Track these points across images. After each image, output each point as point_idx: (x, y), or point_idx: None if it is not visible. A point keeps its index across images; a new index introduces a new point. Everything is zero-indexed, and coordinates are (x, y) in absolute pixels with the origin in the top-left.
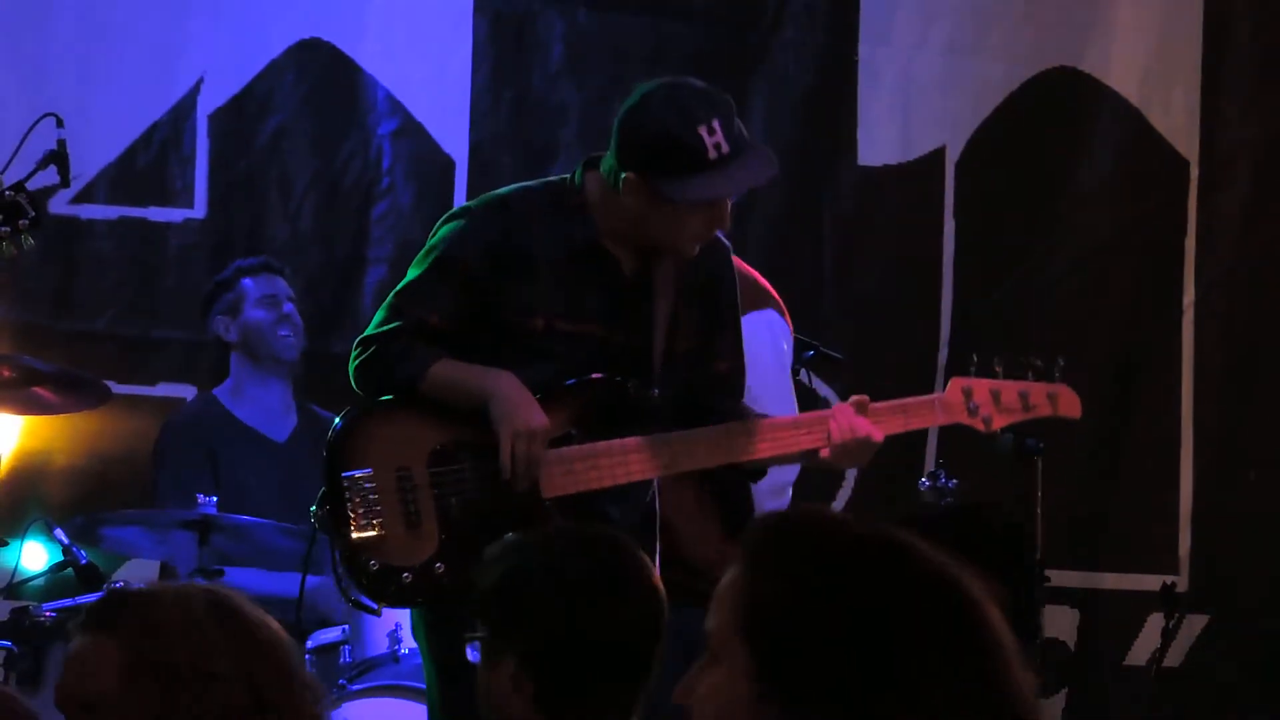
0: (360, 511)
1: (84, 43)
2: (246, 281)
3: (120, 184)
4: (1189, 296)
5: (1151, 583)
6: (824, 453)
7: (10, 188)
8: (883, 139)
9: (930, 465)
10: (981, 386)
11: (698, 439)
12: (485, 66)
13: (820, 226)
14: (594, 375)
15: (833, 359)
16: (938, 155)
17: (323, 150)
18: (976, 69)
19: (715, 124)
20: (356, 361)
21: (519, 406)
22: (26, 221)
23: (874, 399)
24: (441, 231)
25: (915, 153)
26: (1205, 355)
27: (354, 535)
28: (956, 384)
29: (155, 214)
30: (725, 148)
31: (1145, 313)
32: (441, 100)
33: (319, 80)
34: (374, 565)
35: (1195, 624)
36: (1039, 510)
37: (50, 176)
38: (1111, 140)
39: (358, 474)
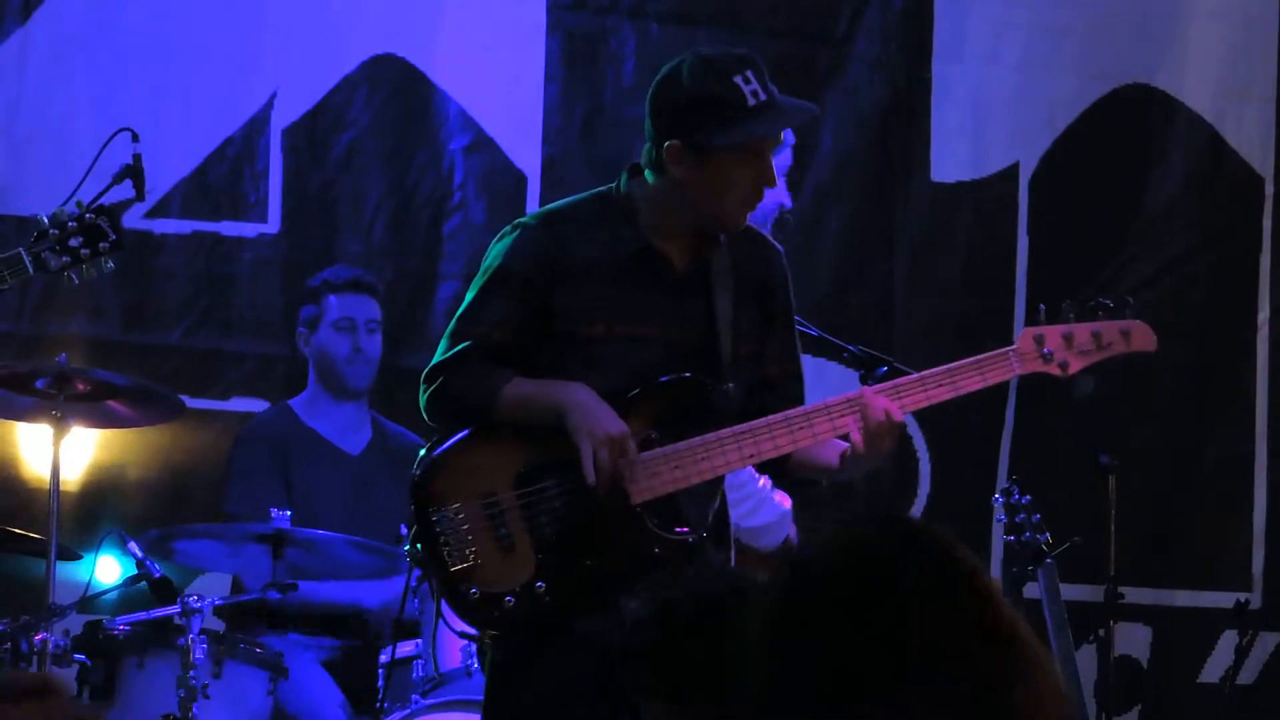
0: (454, 544)
1: (158, 58)
2: (330, 299)
3: (194, 198)
4: (1263, 313)
5: (1225, 600)
6: (855, 436)
7: (91, 210)
8: (955, 155)
9: (1003, 482)
10: (1053, 332)
11: (774, 425)
12: (557, 81)
13: (893, 243)
14: (679, 375)
15: (904, 375)
16: (1011, 172)
17: (395, 165)
18: (1049, 85)
19: (749, 74)
20: (428, 394)
21: (596, 415)
22: (107, 244)
23: (945, 415)
24: (496, 249)
25: (989, 169)
26: (1279, 372)
27: (451, 569)
28: (1028, 333)
29: (229, 228)
30: (763, 95)
31: (1219, 329)
32: (514, 115)
33: (392, 96)
34: (475, 594)
35: (1269, 641)
36: (1113, 527)
37: (125, 191)
38: (1185, 156)
39: (447, 508)
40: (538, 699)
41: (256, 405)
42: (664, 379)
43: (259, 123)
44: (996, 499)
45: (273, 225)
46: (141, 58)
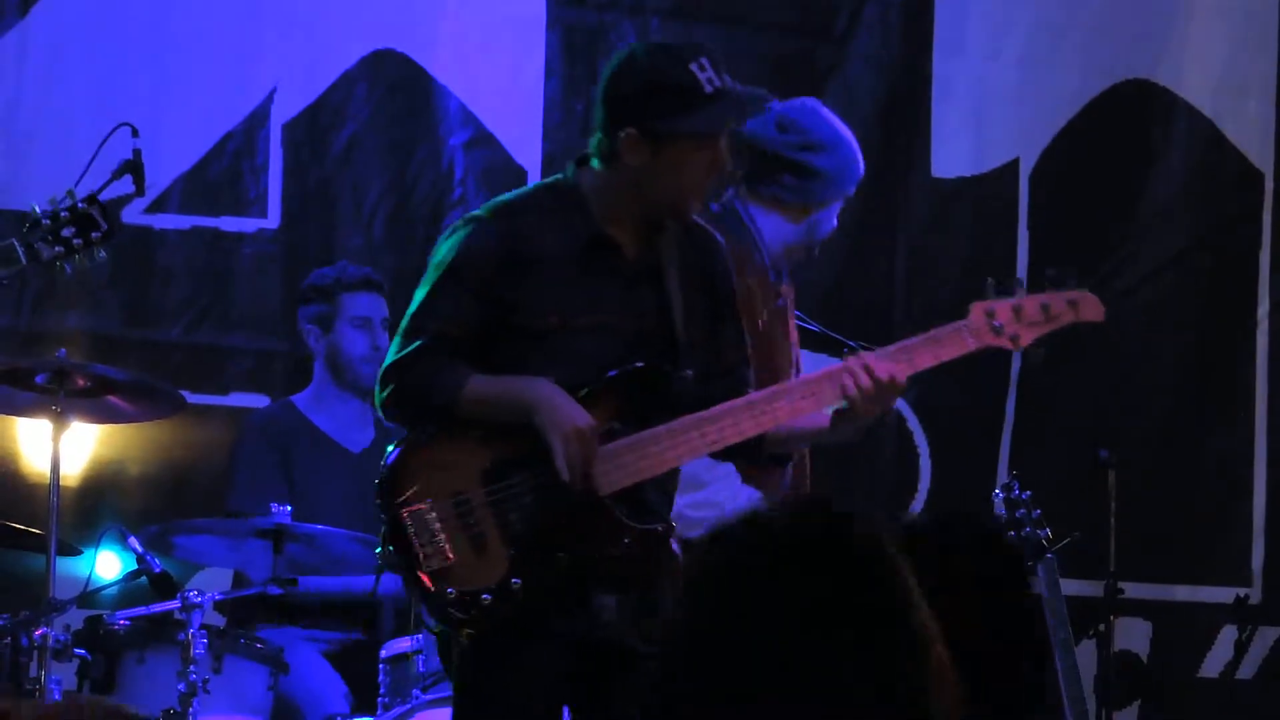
0: (426, 545)
1: (158, 53)
2: (345, 297)
3: (194, 194)
4: (1263, 308)
5: (1225, 595)
6: (849, 394)
7: (84, 200)
8: (956, 151)
9: (1003, 477)
10: (1003, 306)
11: (737, 409)
12: (557, 76)
13: (894, 238)
14: (632, 365)
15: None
16: (1012, 167)
17: (395, 160)
18: (1050, 81)
19: (704, 61)
20: (385, 394)
21: (563, 409)
22: (99, 234)
23: (945, 411)
24: (448, 244)
25: (989, 165)
26: (1279, 366)
27: (426, 568)
28: (978, 307)
29: (228, 224)
30: (718, 82)
31: (1219, 324)
32: (514, 111)
33: (392, 91)
34: (452, 593)
35: (1268, 636)
36: (1113, 522)
37: (125, 186)
38: (1185, 152)
39: (417, 508)
40: (510, 688)
41: (257, 400)
42: (619, 370)
43: (259, 118)
44: (996, 494)
45: (273, 220)
46: (141, 52)
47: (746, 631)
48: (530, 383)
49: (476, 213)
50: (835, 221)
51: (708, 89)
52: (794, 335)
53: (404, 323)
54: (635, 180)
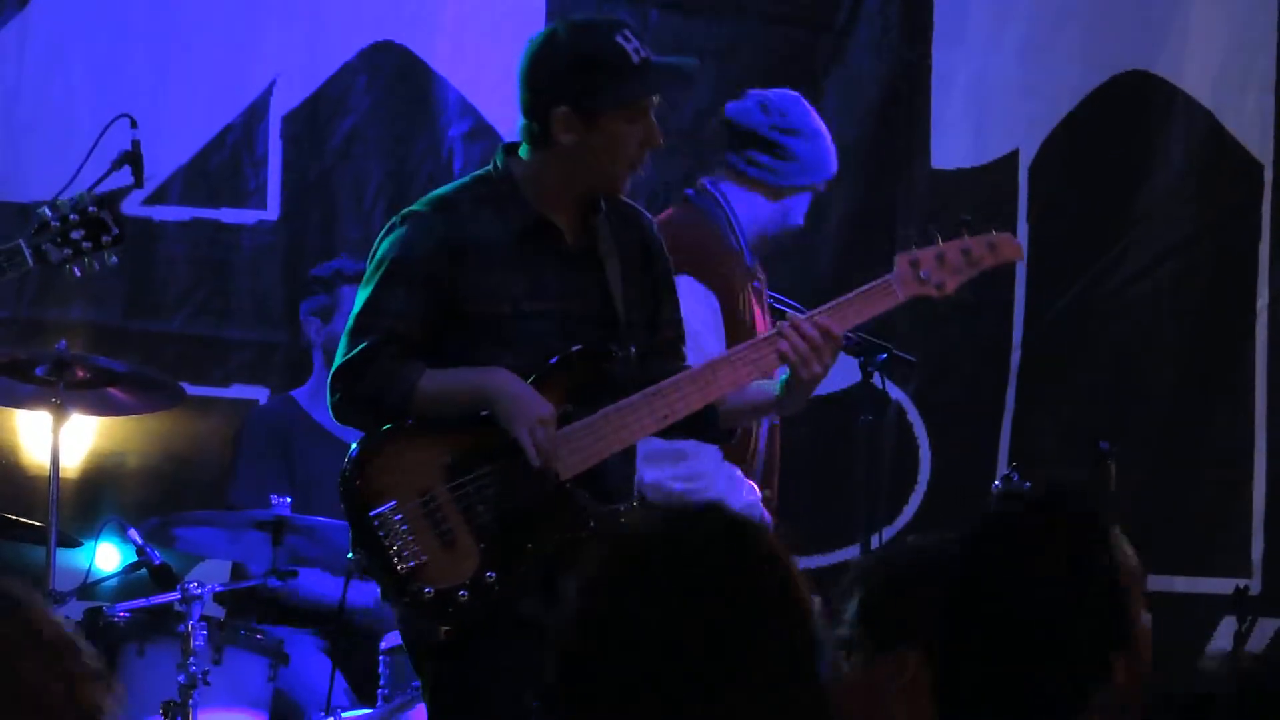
0: (397, 546)
1: (158, 44)
2: (345, 290)
3: (193, 185)
4: (1262, 299)
5: (1224, 586)
6: (787, 356)
7: (94, 201)
8: (956, 142)
9: (1003, 469)
10: (927, 255)
11: (682, 383)
12: None
13: (893, 229)
14: (575, 348)
15: (905, 361)
16: (1011, 159)
17: (395, 152)
18: (1050, 72)
19: (628, 33)
20: (336, 398)
21: (523, 398)
22: (110, 238)
23: (945, 403)
24: (387, 241)
25: (988, 156)
26: (1278, 358)
27: (399, 570)
28: (903, 259)
29: (228, 215)
30: (644, 53)
31: (1218, 316)
32: (513, 102)
33: (391, 83)
34: (428, 592)
35: (1268, 627)
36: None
37: (124, 177)
38: (1184, 143)
39: (384, 510)
40: (492, 685)
41: (256, 392)
42: (560, 356)
43: (258, 109)
44: (996, 485)
45: (272, 212)
46: (140, 44)
47: (641, 623)
48: (484, 373)
49: (413, 208)
50: (803, 217)
51: (635, 59)
52: (768, 318)
53: (349, 323)
54: (568, 159)
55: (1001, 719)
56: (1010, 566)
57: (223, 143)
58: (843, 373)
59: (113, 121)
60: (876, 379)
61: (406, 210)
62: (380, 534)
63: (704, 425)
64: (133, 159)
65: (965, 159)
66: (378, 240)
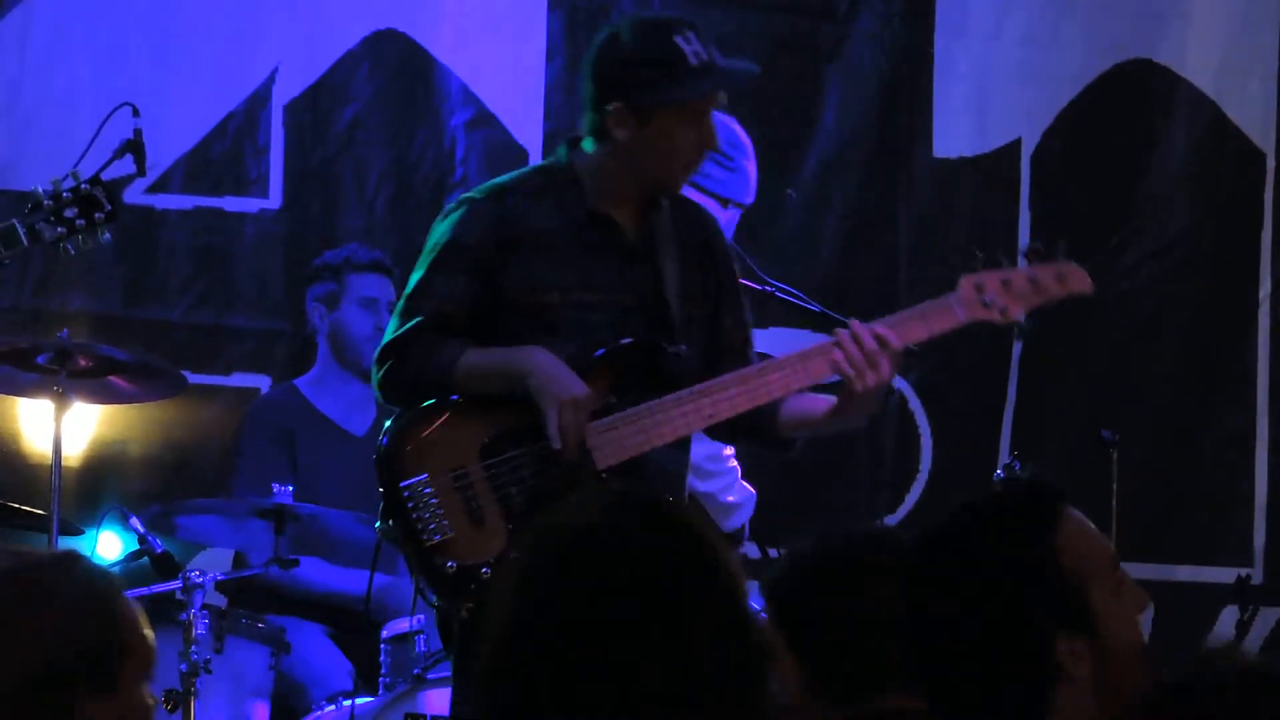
0: (426, 518)
1: (159, 33)
2: (352, 277)
3: (195, 174)
4: (1264, 288)
5: (1226, 575)
6: (840, 366)
7: (87, 180)
8: (958, 131)
9: (1005, 457)
10: (992, 279)
11: (729, 383)
12: (560, 57)
13: (895, 218)
14: (625, 340)
15: (907, 351)
16: (1013, 147)
17: (397, 141)
18: (1052, 61)
19: (690, 35)
20: (381, 373)
21: (557, 378)
22: (103, 215)
23: (947, 392)
24: (443, 226)
25: (991, 144)
26: None
27: (425, 543)
28: (968, 281)
29: (230, 204)
30: (704, 55)
31: (1220, 304)
32: (516, 91)
33: (394, 71)
34: (451, 567)
35: (1270, 617)
36: (1114, 502)
37: (126, 166)
38: (1187, 132)
39: (415, 482)
40: None
41: (258, 380)
42: (611, 346)
43: (260, 98)
44: (998, 474)
45: (274, 201)
46: (142, 32)
47: (569, 624)
48: (525, 350)
49: (471, 194)
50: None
51: (693, 60)
52: None
53: (400, 304)
54: (624, 156)
55: (966, 706)
56: (956, 551)
57: (225, 131)
58: None
59: (115, 110)
60: None
61: (464, 195)
62: (409, 504)
63: (762, 430)
64: (135, 147)
65: (967, 147)
66: (435, 223)
